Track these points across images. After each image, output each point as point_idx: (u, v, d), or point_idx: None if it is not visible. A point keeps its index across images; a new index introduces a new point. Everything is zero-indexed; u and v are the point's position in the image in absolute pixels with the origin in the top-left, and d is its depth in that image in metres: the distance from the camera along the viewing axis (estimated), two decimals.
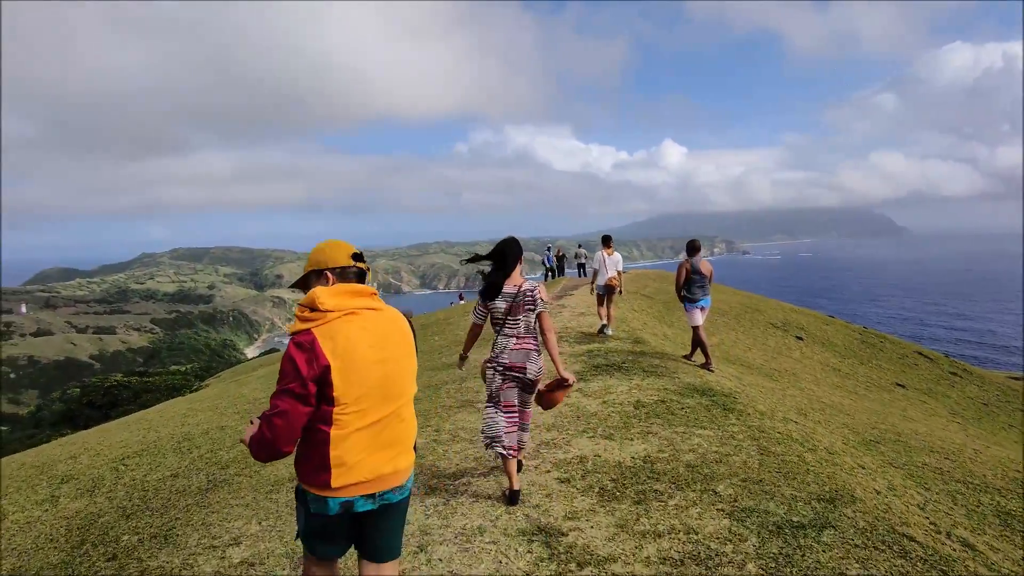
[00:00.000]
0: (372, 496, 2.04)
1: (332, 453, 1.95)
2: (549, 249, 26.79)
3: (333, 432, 1.95)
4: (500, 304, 3.75)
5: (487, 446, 3.78)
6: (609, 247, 9.73)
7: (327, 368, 1.91)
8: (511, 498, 3.69)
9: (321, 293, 2.00)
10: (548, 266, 26.25)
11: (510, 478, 3.71)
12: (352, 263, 2.16)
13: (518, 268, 3.82)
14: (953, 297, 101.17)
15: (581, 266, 22.87)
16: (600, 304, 9.73)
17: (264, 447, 1.94)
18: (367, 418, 2.01)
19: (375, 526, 2.10)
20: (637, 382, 6.45)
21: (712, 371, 7.39)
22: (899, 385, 14.15)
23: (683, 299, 7.80)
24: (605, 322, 9.62)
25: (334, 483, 1.96)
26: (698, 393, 5.96)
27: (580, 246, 25.27)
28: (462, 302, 39.29)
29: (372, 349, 2.02)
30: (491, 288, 3.77)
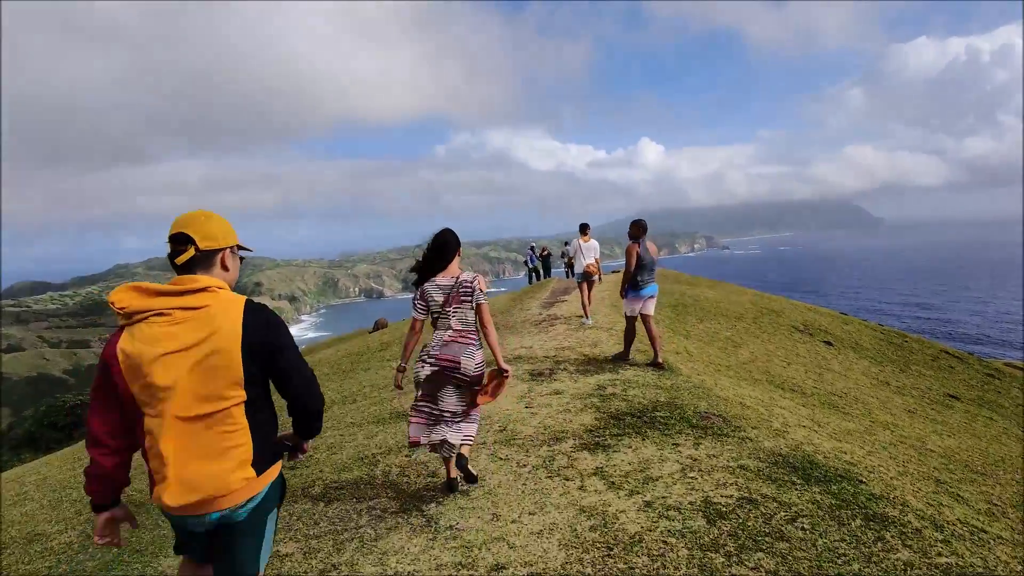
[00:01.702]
0: None
1: None
2: (533, 248, 24.14)
3: None
4: (437, 296, 3.61)
5: (415, 445, 3.63)
6: (585, 234, 9.70)
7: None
8: (449, 485, 3.69)
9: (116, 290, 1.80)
10: (532, 267, 23.73)
11: (447, 466, 3.68)
12: (169, 246, 1.86)
13: (456, 259, 3.68)
14: (923, 287, 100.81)
15: (571, 266, 20.47)
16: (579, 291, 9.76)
17: None
18: None
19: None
20: (689, 451, 4.01)
21: (663, 368, 6.48)
22: (952, 396, 12.00)
23: (630, 287, 6.79)
24: (583, 314, 9.78)
25: None
26: (798, 475, 3.55)
27: (567, 244, 23.01)
28: None
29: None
30: (426, 278, 3.65)
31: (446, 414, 3.55)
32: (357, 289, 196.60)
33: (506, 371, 3.64)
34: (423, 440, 3.56)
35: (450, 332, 3.54)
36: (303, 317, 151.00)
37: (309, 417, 1.98)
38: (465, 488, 3.77)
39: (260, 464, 1.83)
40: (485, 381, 3.67)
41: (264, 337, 1.81)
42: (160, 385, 1.69)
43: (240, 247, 1.99)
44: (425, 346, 3.63)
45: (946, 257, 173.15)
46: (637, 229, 6.79)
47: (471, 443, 3.72)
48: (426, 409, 3.59)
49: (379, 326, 28.86)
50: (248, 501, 1.82)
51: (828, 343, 13.16)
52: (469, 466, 3.73)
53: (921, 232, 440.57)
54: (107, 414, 1.78)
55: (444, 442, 3.52)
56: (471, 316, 3.60)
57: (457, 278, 3.58)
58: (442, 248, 3.61)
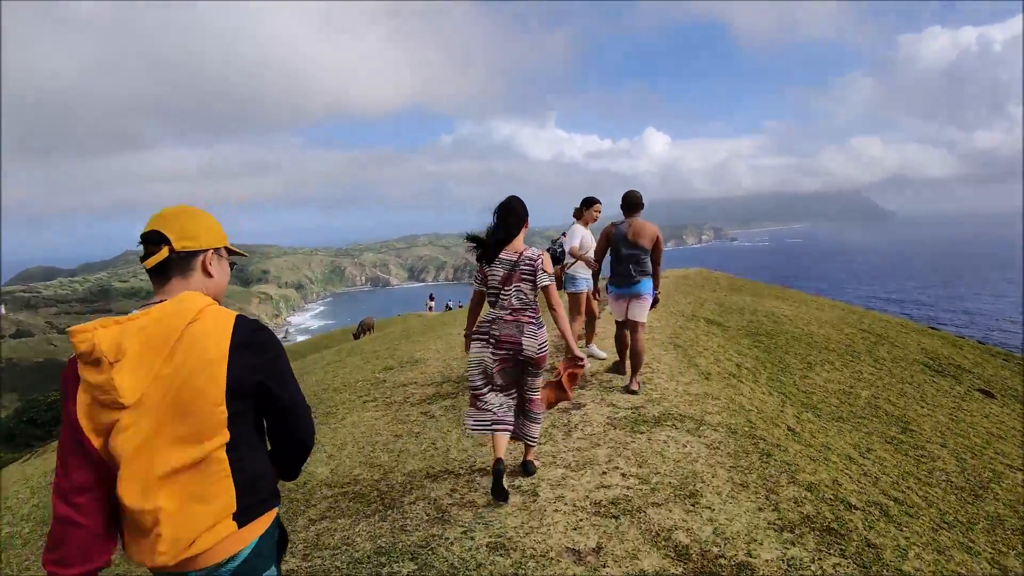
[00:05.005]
0: None
1: None
2: (564, 238, 19.42)
3: None
4: (497, 271, 3.32)
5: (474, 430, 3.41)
6: (583, 214, 6.60)
7: None
8: (495, 469, 3.23)
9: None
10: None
11: (496, 449, 3.28)
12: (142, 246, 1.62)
13: (522, 233, 3.35)
14: (936, 281, 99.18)
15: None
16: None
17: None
18: None
19: None
20: None
21: (636, 392, 4.94)
22: None
23: (609, 283, 5.32)
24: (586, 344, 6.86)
25: None
26: None
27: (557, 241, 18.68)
28: (432, 303, 32.79)
29: None
30: (490, 249, 3.33)
31: (501, 393, 3.40)
32: (364, 278, 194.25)
33: (581, 359, 3.45)
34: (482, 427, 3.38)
35: (508, 312, 3.30)
36: (309, 305, 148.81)
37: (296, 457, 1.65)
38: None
39: (244, 515, 1.49)
40: (560, 371, 3.52)
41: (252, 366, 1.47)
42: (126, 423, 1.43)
43: (231, 250, 1.61)
44: (481, 324, 3.41)
45: (956, 252, 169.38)
46: (623, 204, 5.27)
47: (535, 443, 3.57)
48: (484, 392, 3.40)
49: (364, 327, 24.23)
50: (230, 560, 1.48)
51: (986, 393, 8.78)
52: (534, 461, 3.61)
53: (933, 226, 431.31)
54: None
55: (499, 421, 3.36)
56: (531, 295, 3.33)
57: (520, 254, 3.30)
58: (506, 217, 3.32)
